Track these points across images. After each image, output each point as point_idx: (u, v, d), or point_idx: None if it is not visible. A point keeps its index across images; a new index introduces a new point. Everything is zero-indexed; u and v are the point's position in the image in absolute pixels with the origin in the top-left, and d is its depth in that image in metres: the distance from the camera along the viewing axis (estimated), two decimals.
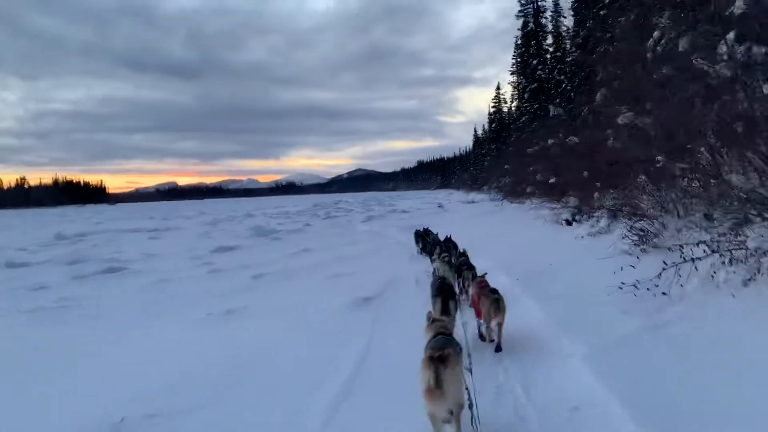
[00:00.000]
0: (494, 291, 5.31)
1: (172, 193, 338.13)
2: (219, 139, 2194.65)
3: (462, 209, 30.26)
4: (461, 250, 8.69)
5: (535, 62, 35.99)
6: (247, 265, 11.93)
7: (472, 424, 3.17)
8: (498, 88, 76.05)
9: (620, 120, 8.59)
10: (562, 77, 36.45)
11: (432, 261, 8.86)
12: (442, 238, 10.87)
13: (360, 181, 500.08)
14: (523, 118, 40.32)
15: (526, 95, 39.26)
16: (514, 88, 47.99)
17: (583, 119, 14.55)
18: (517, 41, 39.83)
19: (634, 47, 10.04)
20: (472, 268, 7.13)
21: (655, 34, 8.87)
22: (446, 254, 8.41)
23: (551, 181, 14.04)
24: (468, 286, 6.81)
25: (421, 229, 12.75)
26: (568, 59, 33.45)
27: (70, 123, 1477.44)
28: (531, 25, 37.46)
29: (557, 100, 34.16)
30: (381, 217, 28.59)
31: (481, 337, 5.47)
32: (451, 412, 3.16)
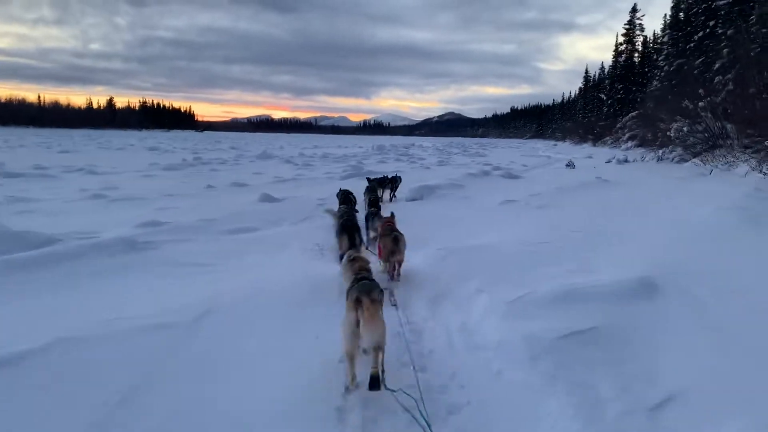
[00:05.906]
0: (394, 229, 5.52)
1: (263, 125, 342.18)
2: (312, 74, 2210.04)
3: (634, 178, 15.42)
4: (371, 198, 9.28)
5: None
6: None
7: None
8: (634, 11, 57.50)
9: None
10: None
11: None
12: None
13: (450, 124, 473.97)
14: (701, 33, 24.72)
15: None
16: None
17: None
18: None
19: None
20: (379, 215, 7.13)
21: None
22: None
23: None
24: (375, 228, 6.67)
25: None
26: None
27: (173, 50, 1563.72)
28: None
29: None
30: (458, 189, 12.67)
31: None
32: (366, 351, 3.20)
